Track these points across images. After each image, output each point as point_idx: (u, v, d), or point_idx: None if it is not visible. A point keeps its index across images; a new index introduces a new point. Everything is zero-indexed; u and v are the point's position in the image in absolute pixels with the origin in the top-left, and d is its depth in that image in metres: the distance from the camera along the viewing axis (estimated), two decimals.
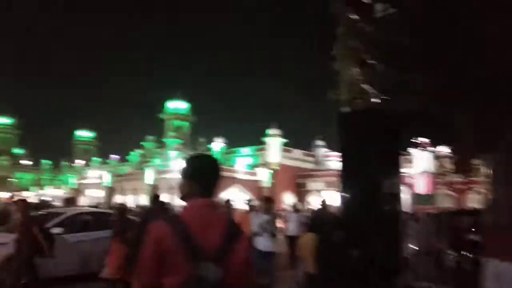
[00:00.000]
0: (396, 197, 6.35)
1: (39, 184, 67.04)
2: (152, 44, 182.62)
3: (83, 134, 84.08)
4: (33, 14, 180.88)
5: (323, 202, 12.78)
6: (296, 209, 13.09)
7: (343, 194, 6.73)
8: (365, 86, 6.68)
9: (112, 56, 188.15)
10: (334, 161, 47.79)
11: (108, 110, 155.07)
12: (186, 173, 1.90)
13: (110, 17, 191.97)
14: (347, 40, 6.77)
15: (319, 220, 5.45)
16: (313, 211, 15.46)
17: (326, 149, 49.45)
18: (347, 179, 6.60)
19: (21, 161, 78.28)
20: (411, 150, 37.39)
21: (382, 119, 6.32)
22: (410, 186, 37.22)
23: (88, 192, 51.41)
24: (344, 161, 6.74)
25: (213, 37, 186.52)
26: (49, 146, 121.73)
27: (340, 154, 6.96)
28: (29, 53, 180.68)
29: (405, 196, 37.02)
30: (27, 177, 76.12)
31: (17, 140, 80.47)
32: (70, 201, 14.34)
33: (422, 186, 34.50)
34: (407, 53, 7.05)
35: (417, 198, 33.02)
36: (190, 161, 1.97)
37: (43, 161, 77.58)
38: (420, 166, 35.50)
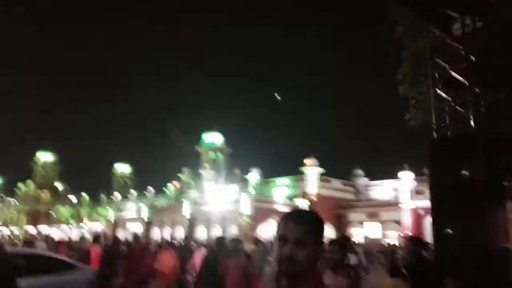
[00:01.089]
0: (505, 231, 5.57)
1: (78, 217, 68.30)
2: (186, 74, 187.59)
3: (121, 167, 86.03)
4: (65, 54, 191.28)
5: (409, 238, 11.62)
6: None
7: (439, 230, 5.99)
8: (458, 109, 6.07)
9: (144, 87, 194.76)
10: (375, 191, 46.21)
11: (143, 142, 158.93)
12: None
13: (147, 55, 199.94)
14: (434, 56, 6.24)
15: (415, 264, 4.68)
16: (391, 249, 14.30)
17: (366, 178, 47.99)
18: (443, 213, 5.88)
19: (62, 195, 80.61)
20: None
21: (482, 145, 5.65)
22: None
23: (127, 225, 51.65)
24: (438, 192, 6.05)
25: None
26: (88, 180, 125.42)
27: (431, 184, 6.29)
28: (67, 91, 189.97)
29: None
30: (67, 210, 78.06)
31: (58, 174, 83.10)
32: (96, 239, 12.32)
33: None
34: (498, 70, 6.41)
35: None
36: None
37: (83, 194, 79.55)
38: None
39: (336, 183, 46.10)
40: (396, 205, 39.28)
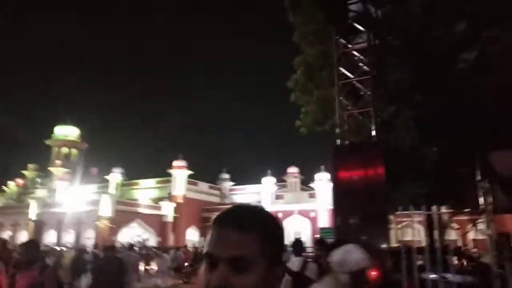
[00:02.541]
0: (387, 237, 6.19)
1: None
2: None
3: None
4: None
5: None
6: None
7: (338, 222, 6.31)
8: (360, 117, 6.47)
9: None
10: (239, 195, 47.78)
11: None
12: None
13: None
14: (339, 66, 6.55)
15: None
16: None
17: (231, 182, 49.30)
18: (341, 208, 6.26)
19: None
20: (314, 184, 39.35)
21: (379, 152, 6.11)
22: (313, 219, 38.73)
23: None
24: (337, 191, 6.41)
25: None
26: None
27: (334, 184, 6.62)
28: None
29: (307, 230, 38.49)
30: None
31: None
32: None
33: (325, 219, 35.97)
34: (392, 85, 7.07)
35: (320, 231, 34.29)
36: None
37: None
38: (322, 199, 37.25)
39: (203, 186, 46.25)
40: None
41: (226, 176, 49.28)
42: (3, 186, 55.50)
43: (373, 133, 6.26)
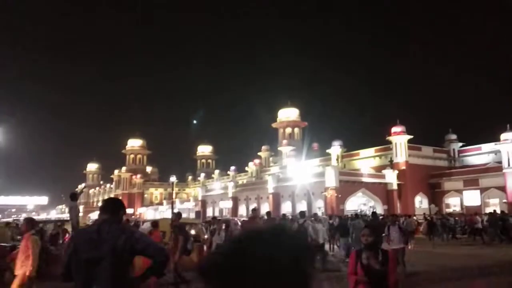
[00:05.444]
0: None
1: (169, 198, 72.44)
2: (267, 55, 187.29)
3: (204, 149, 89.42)
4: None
5: None
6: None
7: None
8: None
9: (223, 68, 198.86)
10: (471, 156, 42.41)
11: (223, 125, 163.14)
12: None
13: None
14: None
15: None
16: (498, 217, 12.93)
17: (460, 143, 44.21)
18: None
19: (152, 178, 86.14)
20: None
21: None
22: None
23: (220, 203, 53.20)
24: None
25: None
26: (175, 162, 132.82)
27: None
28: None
29: None
30: (158, 192, 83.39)
31: (147, 159, 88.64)
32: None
33: None
34: None
35: None
36: None
37: (171, 176, 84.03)
38: None
39: (427, 150, 42.99)
40: (499, 170, 35.62)
41: (453, 136, 44.36)
42: (245, 167, 65.46)
43: None
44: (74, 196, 10.95)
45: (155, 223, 10.07)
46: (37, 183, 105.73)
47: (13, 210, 76.03)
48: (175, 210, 34.37)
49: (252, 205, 49.34)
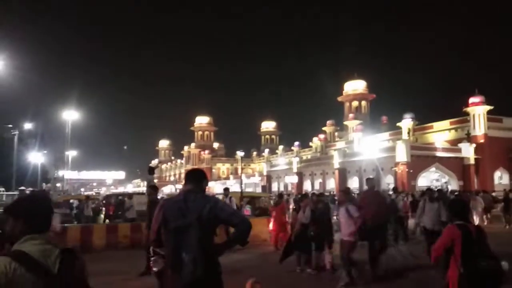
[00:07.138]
0: None
1: (235, 173, 74.37)
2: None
3: (268, 124, 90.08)
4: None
5: None
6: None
7: None
8: None
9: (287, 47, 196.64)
10: None
11: (287, 100, 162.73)
12: None
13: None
14: None
15: None
16: None
17: None
18: None
19: (219, 154, 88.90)
20: None
21: None
22: None
23: (285, 178, 53.84)
24: None
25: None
26: (240, 138, 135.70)
27: None
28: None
29: None
30: (225, 167, 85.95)
31: (215, 136, 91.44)
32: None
33: None
34: None
35: None
36: None
37: (237, 151, 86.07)
38: None
39: (509, 121, 39.50)
40: None
41: None
42: (310, 143, 64.86)
43: None
44: (152, 170, 11.59)
45: (226, 189, 11.23)
46: (115, 160, 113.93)
47: (94, 184, 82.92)
48: (242, 185, 35.28)
49: (318, 180, 49.10)
